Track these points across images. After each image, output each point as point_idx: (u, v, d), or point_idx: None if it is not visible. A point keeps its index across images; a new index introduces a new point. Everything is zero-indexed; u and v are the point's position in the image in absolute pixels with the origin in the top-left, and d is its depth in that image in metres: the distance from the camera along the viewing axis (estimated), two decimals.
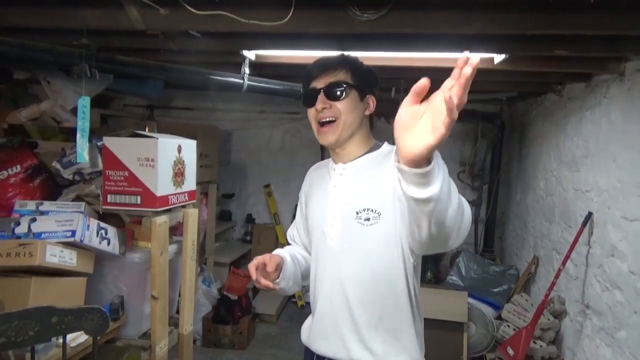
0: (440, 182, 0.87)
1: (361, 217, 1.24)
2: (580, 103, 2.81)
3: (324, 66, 1.30)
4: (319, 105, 1.28)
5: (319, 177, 1.44)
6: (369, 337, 1.25)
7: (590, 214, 2.51)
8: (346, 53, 1.37)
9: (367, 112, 1.34)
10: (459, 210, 0.98)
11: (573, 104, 2.93)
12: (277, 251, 1.45)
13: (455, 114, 0.78)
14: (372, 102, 1.35)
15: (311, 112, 1.32)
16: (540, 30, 1.78)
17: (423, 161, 0.84)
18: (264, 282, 1.27)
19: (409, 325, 1.26)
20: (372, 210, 1.23)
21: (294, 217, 4.96)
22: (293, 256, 1.46)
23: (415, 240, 1.06)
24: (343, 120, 1.27)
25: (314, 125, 1.32)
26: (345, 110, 1.27)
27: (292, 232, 1.59)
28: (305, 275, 1.47)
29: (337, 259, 1.29)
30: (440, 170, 0.88)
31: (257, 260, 1.29)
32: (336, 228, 1.30)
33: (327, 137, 1.29)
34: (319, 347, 1.34)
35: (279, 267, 1.33)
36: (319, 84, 1.29)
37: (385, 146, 1.36)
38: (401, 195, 0.96)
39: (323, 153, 4.61)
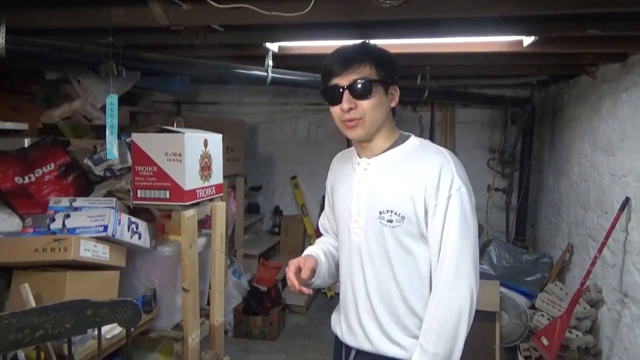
0: None
1: (384, 218, 1.24)
2: (615, 85, 2.70)
3: (345, 61, 1.22)
4: (345, 105, 1.22)
5: (343, 169, 1.42)
6: (392, 332, 1.27)
7: (627, 200, 2.42)
8: (366, 42, 1.30)
9: (393, 104, 1.30)
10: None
11: (608, 85, 2.81)
12: (310, 249, 1.46)
13: None
14: (396, 92, 1.30)
15: (335, 110, 1.26)
16: (571, 9, 1.71)
17: None
18: (307, 291, 1.30)
19: None
20: (395, 213, 1.23)
21: (321, 208, 4.97)
22: (326, 252, 1.46)
23: None
24: (369, 119, 1.23)
25: (339, 123, 1.28)
26: (371, 108, 1.22)
27: (324, 222, 1.59)
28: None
29: (361, 255, 1.30)
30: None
31: (293, 265, 1.30)
32: (360, 224, 1.30)
33: (356, 132, 1.25)
34: (346, 339, 1.37)
35: (314, 270, 1.34)
36: (342, 80, 1.22)
37: (412, 140, 1.32)
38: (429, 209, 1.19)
39: (349, 143, 4.58)
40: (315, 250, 1.45)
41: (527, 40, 2.31)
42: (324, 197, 4.69)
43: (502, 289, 3.15)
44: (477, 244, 1.22)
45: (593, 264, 2.58)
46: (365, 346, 1.30)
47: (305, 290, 1.29)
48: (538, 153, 4.20)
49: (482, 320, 3.05)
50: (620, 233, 2.49)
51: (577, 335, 2.67)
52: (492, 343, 3.01)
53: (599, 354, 2.68)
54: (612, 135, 2.69)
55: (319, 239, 1.57)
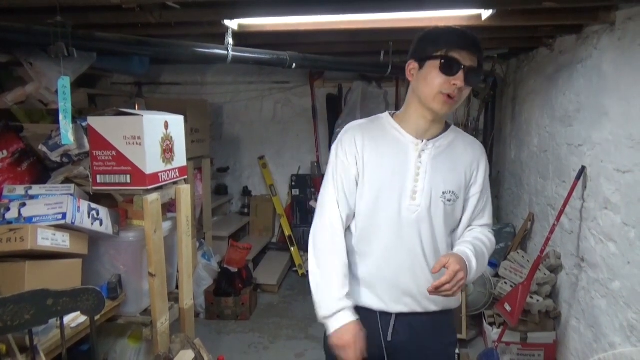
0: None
1: (445, 197, 1.37)
2: (571, 56, 2.76)
3: (474, 44, 1.27)
4: (459, 82, 1.25)
5: (386, 144, 1.38)
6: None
7: (583, 168, 2.51)
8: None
9: None
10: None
11: (564, 57, 2.88)
12: (346, 304, 1.34)
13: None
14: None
15: (441, 78, 1.26)
16: None
17: None
18: None
19: None
20: (453, 193, 1.39)
21: (290, 187, 4.94)
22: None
23: None
24: (456, 103, 1.31)
25: (434, 91, 1.28)
26: (464, 96, 1.32)
27: (343, 201, 1.41)
28: None
29: (419, 228, 1.37)
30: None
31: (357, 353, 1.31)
32: (418, 202, 1.36)
33: (445, 108, 1.30)
34: (393, 307, 1.40)
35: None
36: (464, 60, 1.25)
37: (452, 127, 1.45)
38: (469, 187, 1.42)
39: (316, 121, 4.58)
40: (350, 304, 1.36)
41: (486, 13, 2.33)
42: (293, 176, 4.74)
43: None
44: None
45: (552, 231, 2.68)
46: (417, 309, 1.40)
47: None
48: (500, 125, 4.29)
49: None
50: (577, 201, 2.59)
51: (537, 300, 2.78)
52: (459, 312, 3.11)
53: (558, 316, 2.81)
54: (568, 106, 2.77)
55: (337, 258, 1.38)
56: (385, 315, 1.41)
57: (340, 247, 1.38)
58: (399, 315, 1.40)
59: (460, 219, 1.46)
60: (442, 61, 1.25)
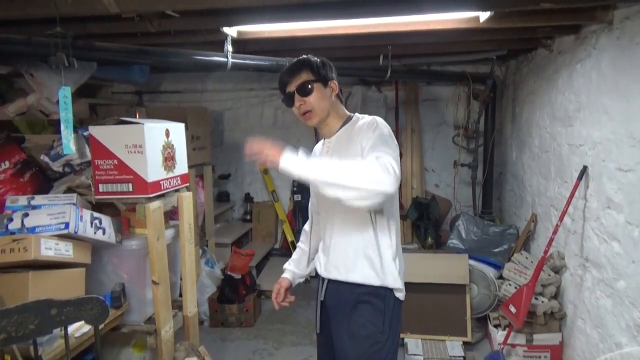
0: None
1: None
2: (570, 56, 2.77)
3: (290, 73, 1.63)
4: (297, 103, 1.62)
5: (319, 150, 1.80)
6: (352, 266, 1.63)
7: (585, 168, 2.50)
8: (306, 55, 1.67)
9: (334, 95, 1.66)
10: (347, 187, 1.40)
11: (563, 57, 2.88)
12: (286, 267, 1.94)
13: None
14: (334, 85, 1.65)
15: (294, 110, 1.64)
16: None
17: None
18: (285, 304, 1.85)
19: (377, 256, 1.62)
20: None
21: (292, 192, 4.96)
22: (299, 260, 1.94)
23: None
24: (316, 108, 1.61)
25: (298, 116, 1.65)
26: (316, 100, 1.60)
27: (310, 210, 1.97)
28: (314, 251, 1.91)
29: (329, 213, 1.70)
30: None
31: (274, 292, 1.85)
32: None
33: (312, 120, 1.64)
34: (322, 272, 1.74)
35: (290, 287, 1.88)
36: (291, 87, 1.62)
37: (354, 118, 1.69)
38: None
39: (316, 128, 4.57)
40: (290, 267, 1.94)
41: (483, 15, 2.33)
42: (295, 181, 4.73)
43: (471, 262, 3.23)
44: (397, 153, 1.54)
45: (555, 231, 2.67)
46: (340, 277, 1.66)
47: (286, 304, 1.86)
48: (501, 127, 4.28)
49: (453, 292, 3.13)
50: (579, 201, 2.58)
51: (542, 301, 2.77)
52: (464, 314, 3.10)
53: (563, 317, 2.80)
54: (568, 106, 2.77)
55: (298, 244, 2.01)
56: (322, 278, 1.75)
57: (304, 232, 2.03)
58: (330, 281, 1.70)
59: None
60: (285, 101, 1.66)
